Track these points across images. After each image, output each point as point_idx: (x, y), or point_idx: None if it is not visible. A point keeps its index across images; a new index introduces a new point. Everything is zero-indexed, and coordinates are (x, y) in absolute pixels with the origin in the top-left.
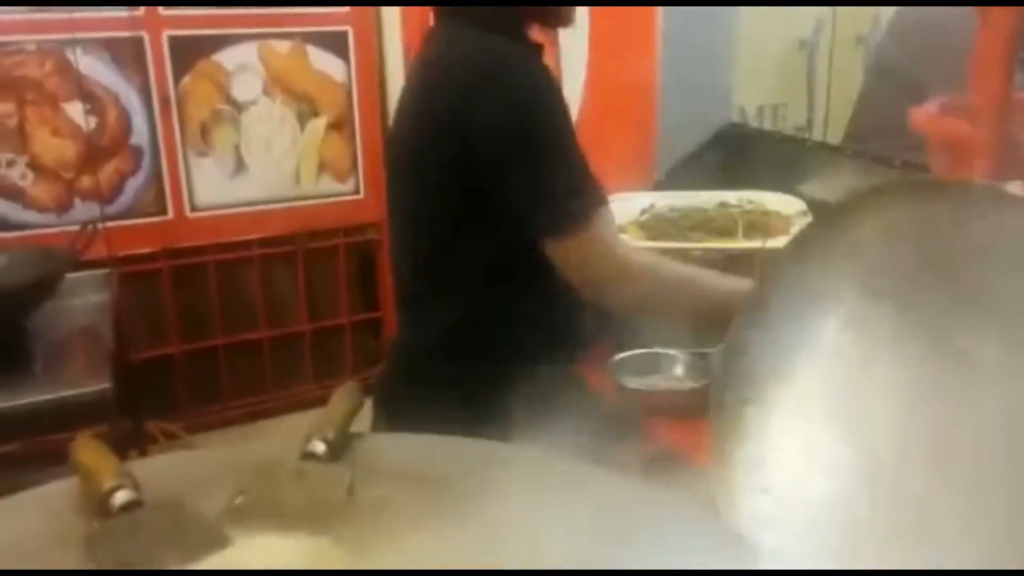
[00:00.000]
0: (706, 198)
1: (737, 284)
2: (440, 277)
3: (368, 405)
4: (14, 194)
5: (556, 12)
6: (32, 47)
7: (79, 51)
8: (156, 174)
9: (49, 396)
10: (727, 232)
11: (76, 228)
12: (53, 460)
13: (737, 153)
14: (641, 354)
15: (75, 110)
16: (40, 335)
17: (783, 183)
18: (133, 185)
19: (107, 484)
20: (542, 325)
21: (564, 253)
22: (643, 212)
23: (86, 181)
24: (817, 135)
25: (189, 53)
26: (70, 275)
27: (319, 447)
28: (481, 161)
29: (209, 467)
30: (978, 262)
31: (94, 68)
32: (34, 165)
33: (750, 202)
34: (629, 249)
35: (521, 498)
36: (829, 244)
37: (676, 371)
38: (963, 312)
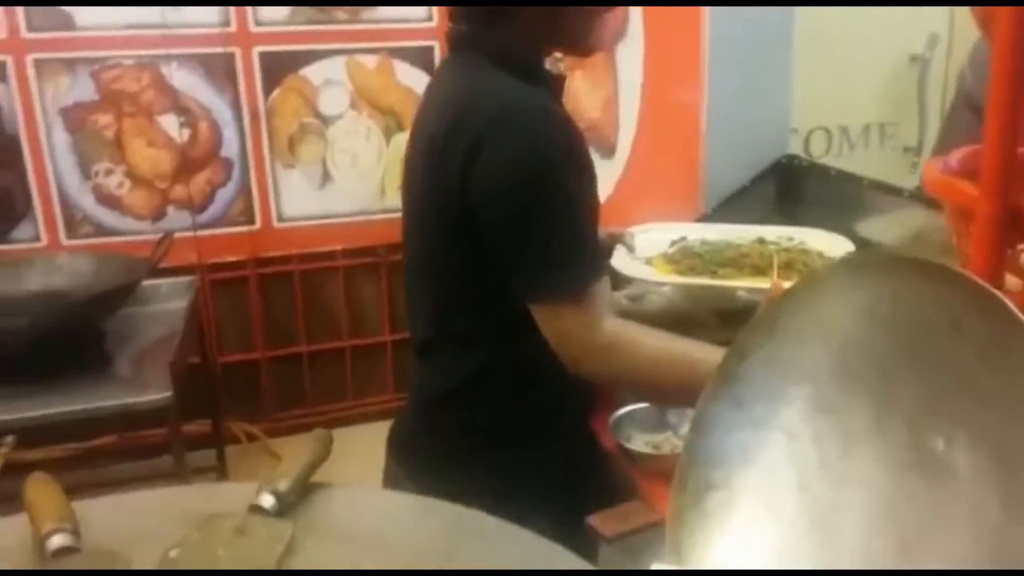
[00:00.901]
0: (742, 233)
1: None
2: (456, 327)
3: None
4: (112, 202)
5: (578, 41)
6: (130, 62)
7: (174, 66)
8: (245, 185)
9: (115, 402)
10: (759, 271)
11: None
12: (138, 454)
13: (791, 188)
14: (647, 409)
15: (169, 123)
16: (117, 339)
17: (838, 223)
18: (223, 196)
19: (46, 527)
20: (556, 377)
21: (544, 321)
22: (673, 244)
23: (179, 191)
24: (927, 156)
25: (278, 68)
26: (155, 282)
27: (268, 500)
28: (481, 221)
29: (161, 512)
30: (956, 354)
31: (188, 82)
32: (130, 174)
33: (790, 239)
34: (615, 324)
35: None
36: (802, 319)
37: (685, 429)
38: (940, 409)
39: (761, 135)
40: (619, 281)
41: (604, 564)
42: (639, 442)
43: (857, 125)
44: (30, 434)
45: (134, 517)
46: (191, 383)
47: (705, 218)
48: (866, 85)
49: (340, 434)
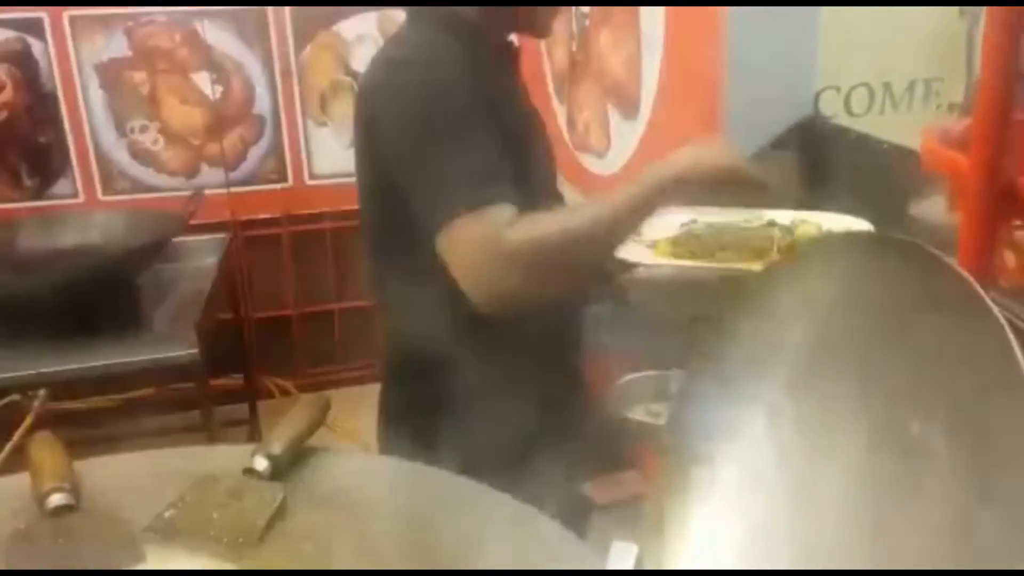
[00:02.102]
0: (751, 216)
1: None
2: (384, 298)
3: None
4: (147, 158)
5: (530, 20)
6: (163, 19)
7: (207, 23)
8: (277, 143)
9: (143, 357)
10: (760, 254)
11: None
12: (173, 407)
13: (812, 151)
14: (651, 377)
15: (202, 79)
16: (149, 295)
17: (860, 189)
18: (255, 153)
19: (46, 486)
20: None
21: (447, 251)
22: (682, 227)
23: (212, 148)
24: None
25: (310, 25)
26: (188, 238)
27: (261, 463)
28: (387, 170)
29: (159, 473)
30: (934, 336)
31: (220, 39)
32: (165, 131)
33: (804, 222)
34: (517, 230)
35: (449, 535)
36: (785, 296)
37: None
38: (918, 390)
39: (784, 95)
40: (620, 265)
41: (595, 532)
42: (640, 411)
43: (901, 81)
44: (64, 387)
45: (133, 477)
46: (224, 338)
47: None
48: (911, 39)
49: (371, 389)
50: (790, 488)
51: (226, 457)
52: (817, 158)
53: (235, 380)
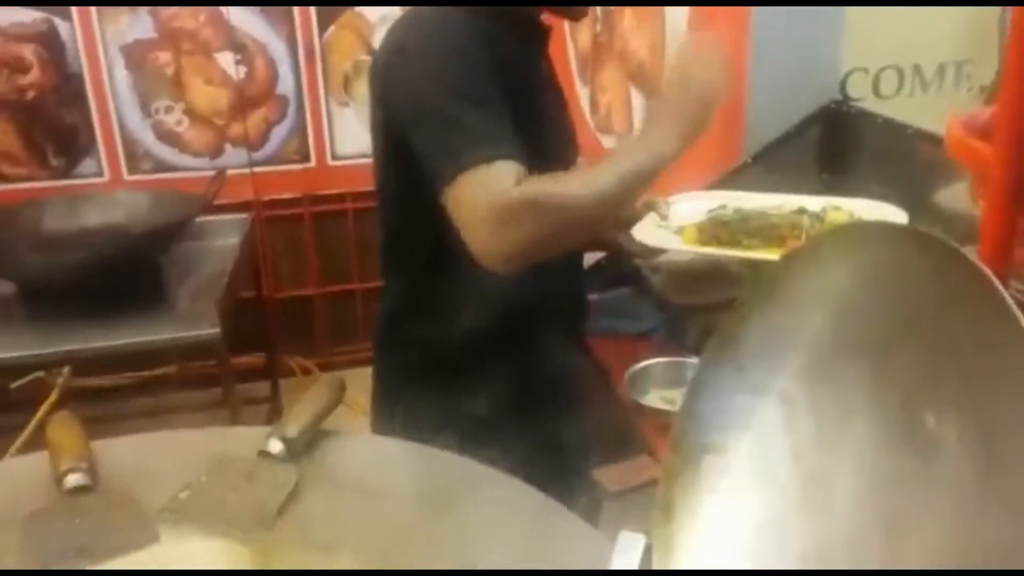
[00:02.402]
0: (786, 202)
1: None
2: (394, 263)
3: None
4: (172, 138)
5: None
6: None
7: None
8: (300, 123)
9: (165, 336)
10: (788, 242)
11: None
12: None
13: (837, 135)
14: (666, 363)
15: (226, 60)
16: (172, 274)
17: (885, 175)
18: (279, 133)
19: (63, 466)
20: (492, 298)
21: (450, 203)
22: (710, 213)
23: (236, 128)
24: None
25: (334, 4)
26: (211, 218)
27: (276, 446)
28: (399, 135)
29: (176, 453)
30: (951, 330)
31: (244, 19)
32: (189, 112)
33: (836, 209)
34: (524, 186)
35: (460, 521)
36: (803, 285)
37: None
38: (933, 384)
39: (808, 78)
40: (648, 251)
41: (607, 518)
42: (654, 398)
43: (931, 63)
44: (87, 365)
45: (150, 458)
46: (246, 317)
47: (745, 167)
48: (942, 21)
49: None
50: (802, 480)
51: (243, 439)
52: (841, 143)
53: (257, 358)
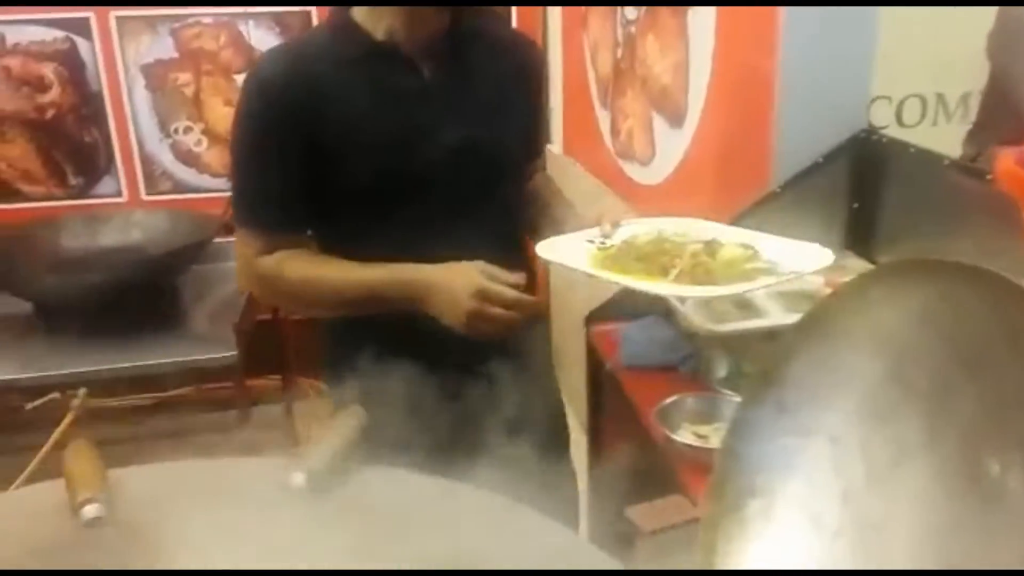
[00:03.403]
0: (703, 229)
1: (363, 273)
2: None
3: None
4: (190, 159)
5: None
6: (209, 20)
7: (251, 24)
8: None
9: (182, 358)
10: (665, 272)
11: None
12: (211, 406)
13: (867, 165)
14: (699, 398)
15: None
16: (189, 295)
17: (915, 202)
18: None
19: (80, 496)
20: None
21: None
22: (633, 236)
23: None
24: None
25: None
26: (227, 240)
27: (298, 479)
28: None
29: (193, 485)
30: (1014, 371)
31: (265, 41)
32: (208, 132)
33: (742, 246)
34: (266, 261)
35: (488, 558)
36: (853, 322)
37: None
38: (995, 427)
39: (838, 106)
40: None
41: (640, 558)
42: (686, 433)
43: (955, 92)
44: (103, 385)
45: (166, 489)
46: (262, 339)
47: (774, 196)
48: (968, 50)
49: None
50: (855, 525)
51: (257, 470)
52: (873, 173)
53: (271, 380)
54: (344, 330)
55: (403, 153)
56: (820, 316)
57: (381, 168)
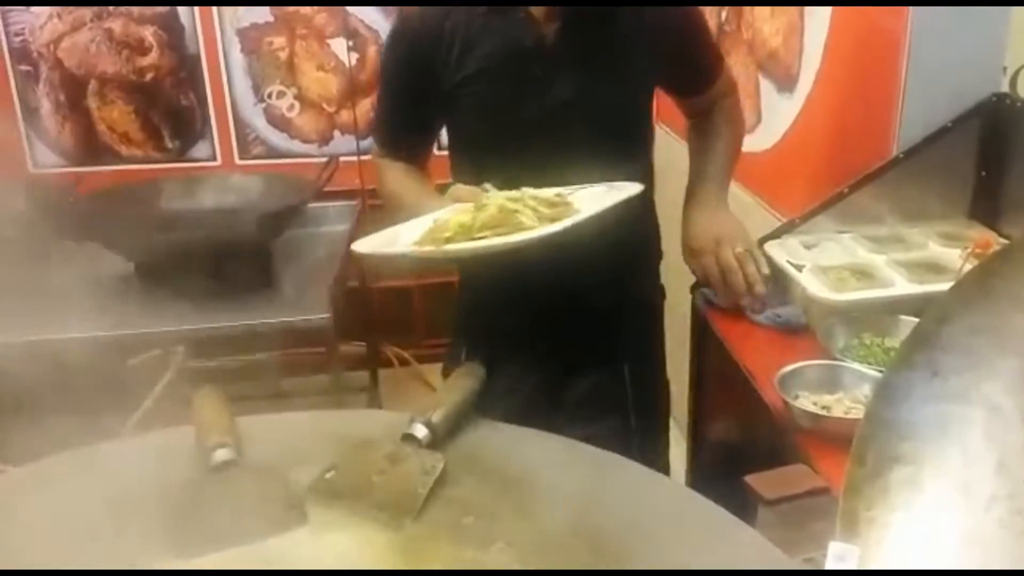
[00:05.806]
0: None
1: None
2: None
3: None
4: (282, 124)
5: None
6: None
7: None
8: None
9: (276, 320)
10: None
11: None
12: (299, 371)
13: (997, 131)
14: (820, 366)
15: (339, 46)
16: (282, 259)
17: None
18: None
19: (211, 441)
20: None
21: None
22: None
23: (345, 115)
24: None
25: None
26: (321, 204)
27: (420, 431)
28: None
29: (318, 433)
30: None
31: (358, 6)
32: (301, 97)
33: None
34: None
35: (616, 518)
36: (1010, 286)
37: (863, 390)
38: None
39: (969, 70)
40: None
41: (762, 528)
42: (807, 402)
43: None
44: (198, 346)
45: (292, 437)
46: (349, 306)
47: (895, 163)
48: None
49: None
50: (1010, 497)
51: (381, 422)
52: (1003, 139)
53: (358, 347)
54: (476, 294)
55: (516, 106)
56: (982, 278)
57: (494, 118)
